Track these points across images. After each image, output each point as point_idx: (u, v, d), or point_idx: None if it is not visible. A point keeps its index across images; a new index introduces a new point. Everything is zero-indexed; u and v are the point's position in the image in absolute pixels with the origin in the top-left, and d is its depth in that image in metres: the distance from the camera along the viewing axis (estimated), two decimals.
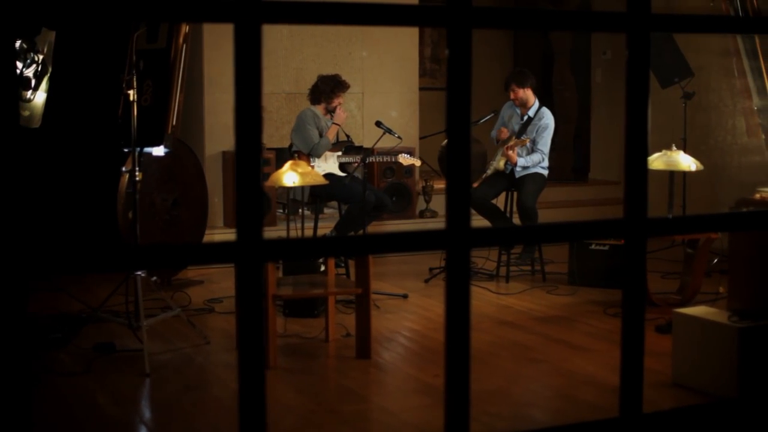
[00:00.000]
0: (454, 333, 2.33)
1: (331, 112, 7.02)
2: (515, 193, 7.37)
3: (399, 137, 6.97)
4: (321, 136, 7.00)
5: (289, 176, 5.14)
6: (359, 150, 7.42)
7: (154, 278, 5.43)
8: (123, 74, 5.16)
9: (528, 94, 7.34)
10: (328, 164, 6.99)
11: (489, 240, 2.96)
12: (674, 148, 6.27)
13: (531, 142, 7.30)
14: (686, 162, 6.21)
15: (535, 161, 7.27)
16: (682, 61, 7.66)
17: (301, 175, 5.14)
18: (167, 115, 5.42)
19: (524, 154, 7.30)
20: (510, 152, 7.19)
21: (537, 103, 7.40)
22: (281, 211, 8.51)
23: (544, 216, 8.49)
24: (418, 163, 7.47)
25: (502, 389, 4.72)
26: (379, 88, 8.44)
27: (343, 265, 6.98)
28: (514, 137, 7.32)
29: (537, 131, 7.28)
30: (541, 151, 7.28)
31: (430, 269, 7.38)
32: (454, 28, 2.17)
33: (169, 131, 5.56)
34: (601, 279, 6.86)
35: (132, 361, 5.09)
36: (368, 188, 6.86)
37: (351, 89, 8.29)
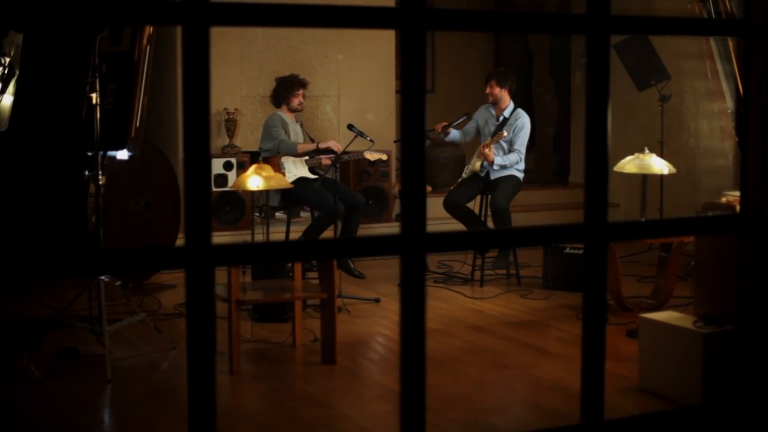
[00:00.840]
0: (409, 339, 2.29)
1: (294, 111, 7.01)
2: (490, 196, 7.32)
3: (371, 140, 6.92)
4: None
5: (254, 180, 5.10)
6: (324, 151, 7.40)
7: (118, 283, 5.37)
8: (87, 77, 5.11)
9: (504, 94, 7.30)
10: (299, 169, 6.93)
11: (443, 245, 2.91)
12: (647, 151, 6.23)
13: (508, 143, 7.25)
14: (659, 165, 6.18)
15: (512, 161, 7.22)
16: (658, 63, 7.62)
17: (266, 179, 5.09)
18: (130, 119, 5.36)
19: (501, 154, 7.25)
20: (486, 150, 7.14)
21: (512, 105, 7.35)
22: (258, 214, 8.45)
23: (524, 219, 8.46)
24: (384, 157, 7.46)
25: (466, 395, 4.67)
26: (355, 91, 8.39)
27: (315, 269, 6.92)
28: (489, 137, 7.28)
29: (513, 131, 7.24)
30: (518, 151, 7.23)
31: None
32: (408, 30, 2.12)
33: (132, 134, 5.50)
34: (575, 283, 6.81)
35: (96, 366, 5.03)
36: (340, 190, 6.81)
37: (327, 92, 8.26)
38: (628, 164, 6.21)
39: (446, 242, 2.74)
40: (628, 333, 5.60)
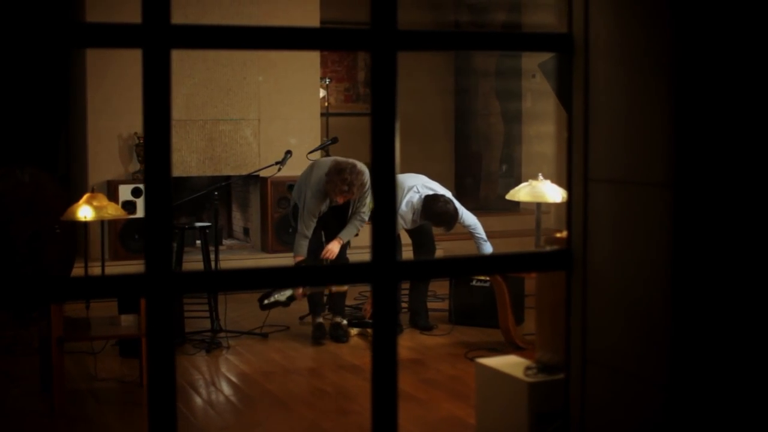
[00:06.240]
0: (157, 389, 1.97)
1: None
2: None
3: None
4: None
5: (83, 210, 4.81)
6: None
7: None
8: None
9: None
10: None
11: (193, 286, 2.56)
12: (541, 178, 5.82)
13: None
14: (552, 193, 5.76)
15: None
16: None
17: (96, 208, 4.79)
18: None
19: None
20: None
21: None
22: (174, 243, 8.17)
23: (471, 248, 7.99)
24: None
25: None
26: (277, 114, 8.06)
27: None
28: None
29: None
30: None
31: None
32: (150, 49, 1.85)
33: None
34: (481, 317, 6.39)
35: None
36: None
37: (246, 116, 7.98)
38: (521, 192, 5.81)
39: (196, 283, 2.41)
40: None
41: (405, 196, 6.24)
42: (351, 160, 5.93)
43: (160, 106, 1.91)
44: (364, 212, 5.98)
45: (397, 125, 2.18)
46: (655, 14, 2.22)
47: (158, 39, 1.78)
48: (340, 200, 5.88)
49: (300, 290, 5.94)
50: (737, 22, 2.15)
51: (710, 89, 2.17)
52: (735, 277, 2.20)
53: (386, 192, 2.04)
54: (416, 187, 6.30)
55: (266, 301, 5.95)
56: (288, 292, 5.91)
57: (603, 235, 2.46)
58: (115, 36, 1.84)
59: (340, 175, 5.78)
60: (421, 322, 6.46)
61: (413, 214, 6.27)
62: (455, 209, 6.23)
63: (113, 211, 4.93)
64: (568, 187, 2.65)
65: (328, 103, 8.94)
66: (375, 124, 2.16)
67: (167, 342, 1.92)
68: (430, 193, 6.26)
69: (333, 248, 6.01)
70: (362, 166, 5.91)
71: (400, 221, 6.26)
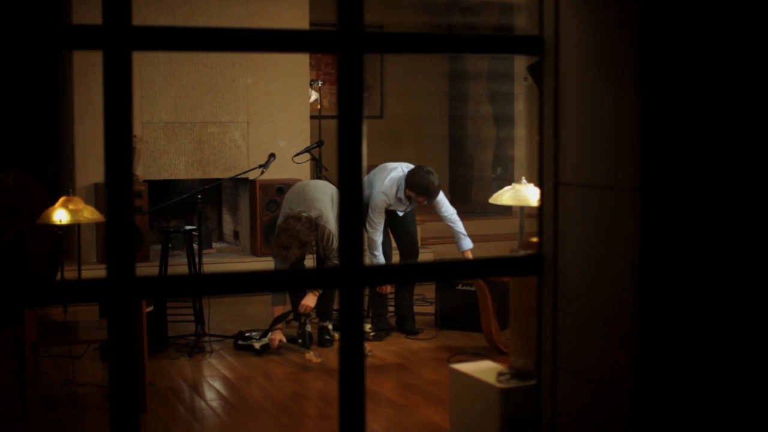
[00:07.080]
0: (118, 399, 1.94)
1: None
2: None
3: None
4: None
5: (59, 213, 4.78)
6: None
7: None
8: None
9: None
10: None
11: (155, 291, 2.53)
12: (524, 181, 5.78)
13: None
14: (535, 197, 5.71)
15: None
16: None
17: (72, 212, 4.77)
18: None
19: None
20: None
21: None
22: (169, 245, 8.13)
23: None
24: None
25: None
26: (266, 117, 8.03)
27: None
28: None
29: None
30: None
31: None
32: (111, 51, 1.83)
33: None
34: (467, 321, 6.35)
35: None
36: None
37: (235, 118, 7.95)
38: (504, 195, 5.77)
39: (158, 287, 2.38)
40: None
41: (389, 174, 6.22)
42: (306, 213, 5.66)
43: (121, 109, 1.88)
44: (334, 257, 5.77)
45: (365, 127, 2.14)
46: (625, 18, 2.18)
47: (119, 40, 1.76)
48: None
49: (276, 342, 5.85)
50: (706, 30, 2.11)
51: (678, 95, 2.14)
52: (703, 282, 2.17)
53: (353, 196, 2.00)
54: (400, 167, 6.28)
55: (240, 342, 5.94)
56: (264, 341, 5.86)
57: (573, 239, 2.42)
58: (75, 37, 1.80)
59: (280, 236, 5.62)
60: (408, 326, 6.43)
61: (397, 189, 6.19)
62: (438, 181, 6.18)
63: (89, 214, 4.90)
64: (540, 190, 2.61)
65: (321, 106, 8.89)
66: (342, 126, 2.13)
67: (128, 349, 1.89)
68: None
69: (308, 303, 5.83)
70: (317, 218, 5.71)
71: (384, 198, 6.18)
